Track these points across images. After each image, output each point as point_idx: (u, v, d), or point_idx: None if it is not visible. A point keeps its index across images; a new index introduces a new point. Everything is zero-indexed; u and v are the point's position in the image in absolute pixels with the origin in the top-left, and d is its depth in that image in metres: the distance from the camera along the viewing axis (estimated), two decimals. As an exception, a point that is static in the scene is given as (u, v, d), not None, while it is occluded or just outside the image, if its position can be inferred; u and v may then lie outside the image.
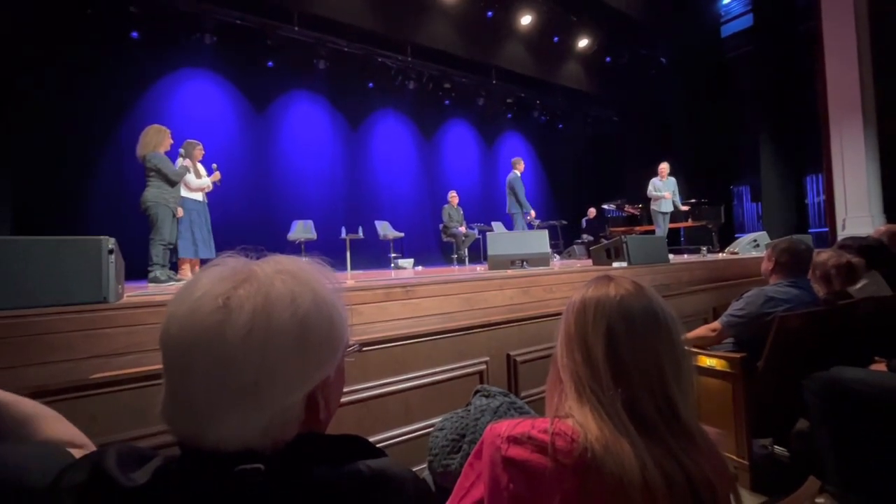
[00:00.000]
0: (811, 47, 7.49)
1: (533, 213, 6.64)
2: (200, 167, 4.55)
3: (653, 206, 7.01)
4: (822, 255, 2.27)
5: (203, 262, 4.46)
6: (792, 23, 8.65)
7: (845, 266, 2.20)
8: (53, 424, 0.68)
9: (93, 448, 0.69)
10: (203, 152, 4.61)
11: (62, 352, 1.47)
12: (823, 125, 7.10)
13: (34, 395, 0.94)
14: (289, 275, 0.50)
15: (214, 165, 4.66)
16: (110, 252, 1.75)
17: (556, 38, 9.95)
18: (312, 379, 0.49)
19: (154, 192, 3.87)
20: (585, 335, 0.72)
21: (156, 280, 3.74)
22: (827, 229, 7.41)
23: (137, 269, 3.82)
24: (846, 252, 2.30)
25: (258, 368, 0.45)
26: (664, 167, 7.07)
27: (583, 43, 10.06)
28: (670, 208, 6.97)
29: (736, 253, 6.16)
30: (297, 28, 7.48)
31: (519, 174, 6.54)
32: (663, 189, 6.92)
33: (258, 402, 0.45)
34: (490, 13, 8.94)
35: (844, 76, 6.73)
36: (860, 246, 2.41)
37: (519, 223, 6.53)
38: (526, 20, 9.07)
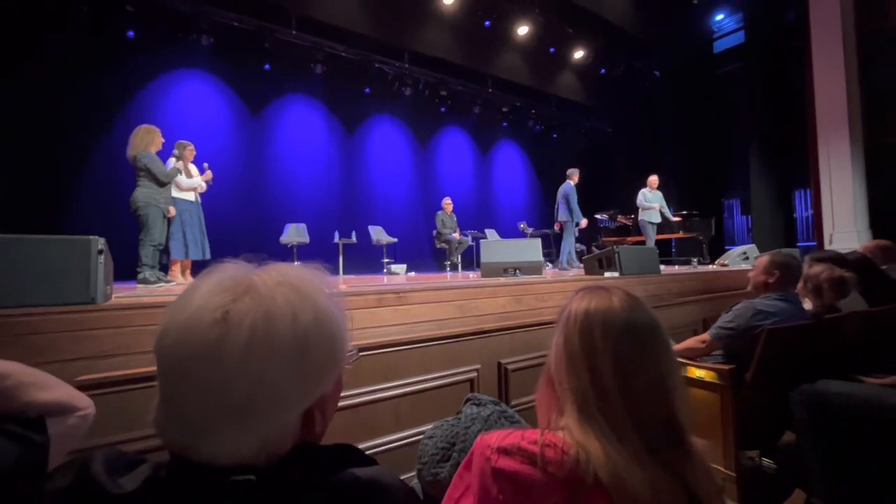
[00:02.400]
0: (800, 64, 7.64)
1: (584, 221, 6.61)
2: (192, 167, 4.52)
3: (643, 217, 7.05)
4: (815, 268, 2.27)
5: (194, 263, 4.43)
6: (782, 40, 8.83)
7: (838, 280, 2.21)
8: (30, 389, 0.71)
9: (82, 399, 0.72)
10: (194, 152, 4.56)
11: (48, 353, 1.44)
12: (812, 141, 7.24)
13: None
14: (290, 288, 0.48)
15: (206, 165, 4.62)
16: (100, 252, 1.73)
17: (552, 49, 10.07)
18: (310, 396, 0.48)
19: (144, 193, 3.83)
20: (592, 353, 0.69)
21: (145, 281, 3.70)
22: (815, 243, 7.52)
23: (127, 269, 3.78)
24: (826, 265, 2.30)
25: (255, 387, 0.43)
26: (654, 179, 7.17)
27: (578, 54, 10.19)
28: (659, 219, 7.05)
29: (726, 265, 6.23)
30: (294, 31, 7.48)
31: (573, 185, 6.55)
32: (653, 200, 7.00)
33: (253, 420, 0.44)
34: (487, 22, 9.03)
35: (832, 93, 6.88)
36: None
37: (569, 229, 6.55)
38: (523, 31, 9.17)
